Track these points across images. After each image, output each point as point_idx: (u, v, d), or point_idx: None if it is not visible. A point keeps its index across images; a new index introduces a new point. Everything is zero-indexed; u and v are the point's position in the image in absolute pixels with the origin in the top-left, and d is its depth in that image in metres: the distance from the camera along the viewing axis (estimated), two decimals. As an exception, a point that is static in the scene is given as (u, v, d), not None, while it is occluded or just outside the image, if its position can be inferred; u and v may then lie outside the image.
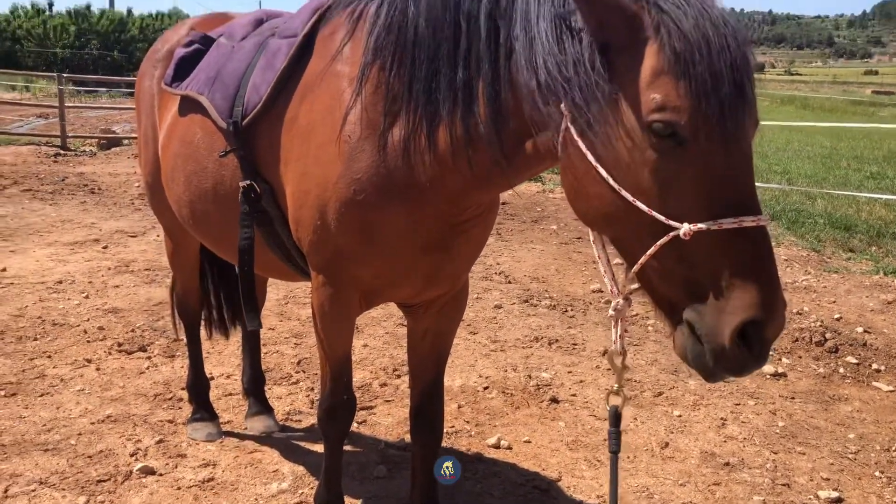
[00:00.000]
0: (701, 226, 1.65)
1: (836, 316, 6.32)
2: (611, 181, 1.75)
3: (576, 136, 1.80)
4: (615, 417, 2.02)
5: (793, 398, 4.79)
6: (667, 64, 1.65)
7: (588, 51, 1.76)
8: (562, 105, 1.81)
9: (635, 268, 1.80)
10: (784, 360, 5.40)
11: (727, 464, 3.93)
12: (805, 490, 3.73)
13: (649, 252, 1.73)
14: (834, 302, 6.78)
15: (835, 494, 3.66)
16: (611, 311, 1.96)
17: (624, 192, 1.73)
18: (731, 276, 1.65)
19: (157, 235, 8.24)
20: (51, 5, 40.59)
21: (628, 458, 3.95)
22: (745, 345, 1.66)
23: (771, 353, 5.34)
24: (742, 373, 1.75)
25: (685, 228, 1.66)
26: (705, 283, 1.69)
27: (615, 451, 2.02)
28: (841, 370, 5.26)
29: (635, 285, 1.89)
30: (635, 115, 1.70)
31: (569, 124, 1.81)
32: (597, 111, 1.74)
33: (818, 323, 6.06)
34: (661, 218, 1.69)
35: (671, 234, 1.68)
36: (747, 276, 1.64)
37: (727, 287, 1.65)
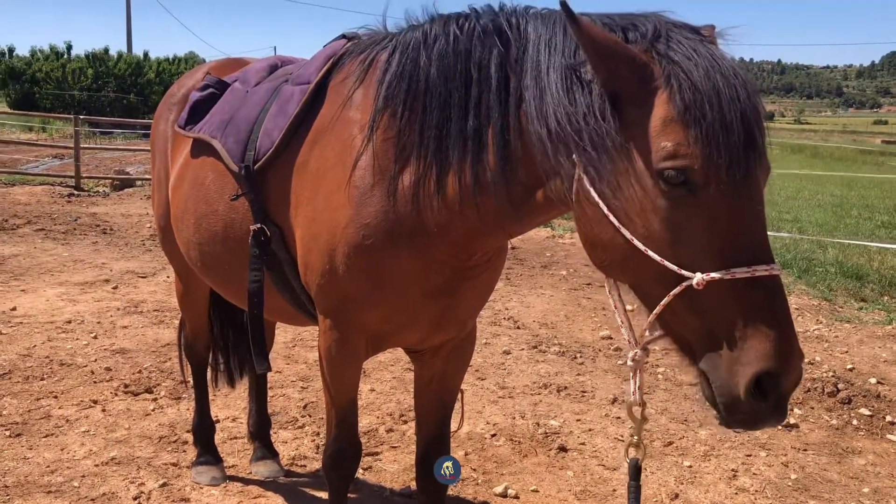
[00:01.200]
0: (714, 275, 1.64)
1: (849, 366, 6.25)
2: (623, 230, 1.75)
3: (588, 186, 1.80)
4: (635, 470, 1.99)
5: (805, 450, 4.71)
6: (678, 113, 1.67)
7: (598, 101, 1.78)
8: (573, 155, 1.82)
9: (650, 319, 1.79)
10: (796, 410, 5.33)
11: (739, 517, 3.85)
12: (819, 545, 3.64)
13: (662, 303, 1.73)
14: (846, 352, 6.71)
15: (849, 550, 3.57)
16: (629, 362, 1.94)
17: (636, 241, 1.73)
18: (744, 326, 1.64)
19: (168, 276, 8.27)
20: (69, 48, 41.25)
21: (638, 509, 3.88)
22: (761, 397, 1.64)
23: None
24: (757, 426, 1.72)
25: (698, 278, 1.65)
26: (719, 333, 1.68)
27: None
28: (854, 422, 5.18)
29: (654, 335, 1.87)
30: (646, 163, 1.70)
31: (581, 174, 1.82)
32: (607, 161, 1.76)
33: (830, 373, 5.99)
34: (674, 268, 1.69)
35: (684, 283, 1.67)
36: (762, 326, 1.63)
37: (741, 337, 1.64)
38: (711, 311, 1.68)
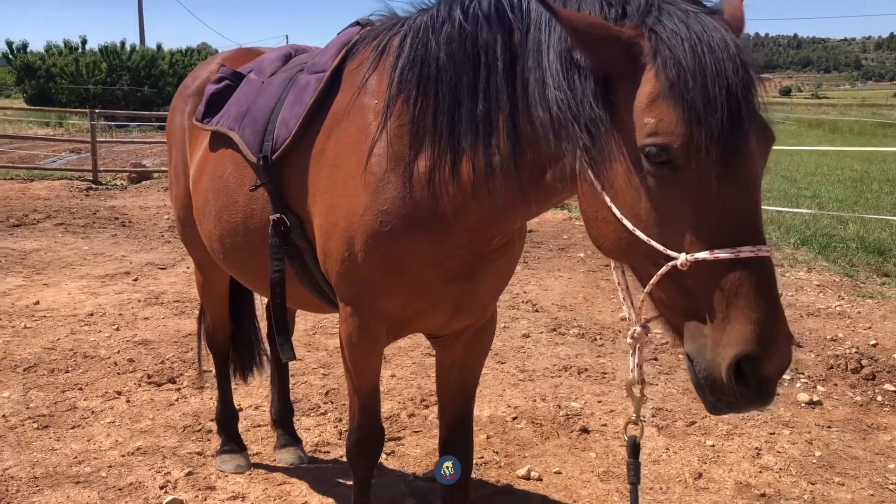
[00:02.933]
0: (696, 256, 1.63)
1: (872, 342, 6.20)
2: (614, 209, 1.75)
3: (586, 168, 1.81)
4: (633, 448, 2.01)
5: (829, 427, 4.69)
6: (663, 89, 1.64)
7: (592, 85, 1.77)
8: (573, 138, 1.82)
9: (642, 297, 1.81)
10: (819, 387, 5.30)
11: (763, 495, 3.84)
12: (845, 522, 3.63)
13: (651, 282, 1.73)
14: (870, 328, 6.65)
15: (876, 527, 3.56)
16: (629, 339, 1.94)
17: (625, 221, 1.73)
18: (728, 308, 1.62)
19: (188, 267, 8.33)
20: (84, 43, 41.36)
21: (661, 489, 3.89)
22: (742, 381, 1.62)
23: (805, 380, 5.22)
24: (742, 410, 1.70)
25: (682, 259, 1.65)
26: (705, 315, 1.66)
27: (634, 483, 2.00)
28: (879, 398, 5.14)
29: (654, 313, 1.87)
30: (634, 141, 1.69)
31: (580, 156, 1.82)
32: (602, 143, 1.75)
33: (854, 350, 5.94)
34: (659, 247, 1.68)
35: (669, 264, 1.67)
36: (745, 309, 1.60)
37: (724, 319, 1.62)
38: (697, 292, 1.67)
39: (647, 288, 1.75)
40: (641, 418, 2.02)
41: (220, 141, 3.08)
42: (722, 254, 1.61)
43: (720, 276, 1.62)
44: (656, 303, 1.81)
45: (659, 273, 1.69)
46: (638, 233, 1.71)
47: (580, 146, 1.80)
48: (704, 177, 1.62)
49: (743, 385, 1.62)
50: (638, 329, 1.91)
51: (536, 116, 1.94)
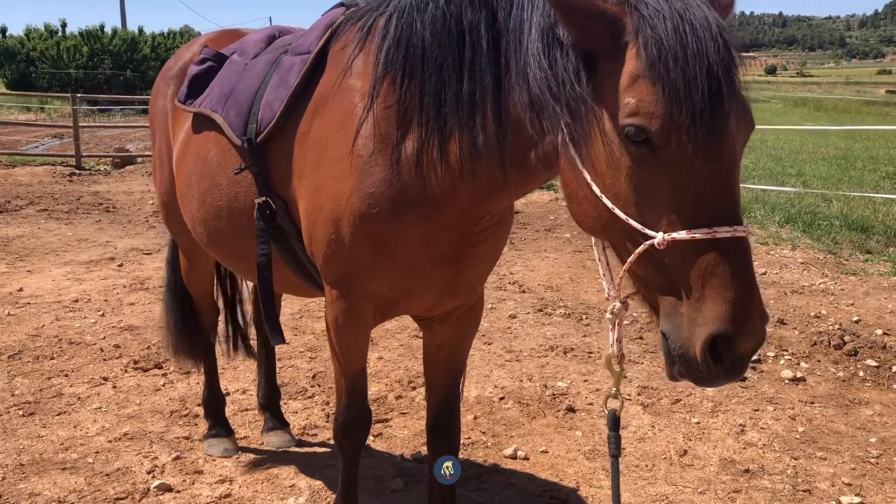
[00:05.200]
0: (674, 235, 1.64)
1: (855, 318, 6.26)
2: (594, 187, 1.76)
3: (568, 145, 1.81)
4: (614, 421, 2.05)
5: (812, 403, 4.74)
6: (643, 68, 1.64)
7: (573, 62, 1.77)
8: (554, 117, 1.82)
9: (620, 273, 1.83)
10: (803, 364, 5.35)
11: (747, 471, 3.89)
12: (827, 496, 3.68)
13: (629, 260, 1.74)
14: (852, 304, 6.72)
15: (857, 500, 3.61)
16: (608, 315, 1.96)
17: (605, 199, 1.74)
18: (703, 287, 1.64)
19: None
20: (64, 26, 40.85)
21: (647, 466, 3.92)
22: (716, 359, 1.64)
23: (789, 357, 5.27)
24: (714, 385, 1.74)
25: (659, 238, 1.66)
26: (681, 294, 1.68)
27: (615, 455, 2.05)
28: (861, 373, 5.20)
29: (632, 290, 1.89)
30: (613, 120, 1.70)
31: (561, 134, 1.82)
32: (583, 122, 1.76)
33: (836, 326, 6.00)
34: (637, 226, 1.69)
35: (647, 243, 1.68)
36: (720, 289, 1.62)
37: (699, 298, 1.64)
38: (674, 271, 1.68)
39: (626, 265, 1.77)
40: (621, 392, 2.05)
41: (203, 123, 3.05)
42: (698, 233, 1.62)
43: (697, 255, 1.64)
44: (634, 280, 1.84)
45: (637, 251, 1.71)
46: (617, 211, 1.72)
47: (561, 125, 1.80)
48: (683, 157, 1.62)
49: (717, 362, 1.64)
50: (617, 305, 1.93)
51: (519, 95, 1.94)
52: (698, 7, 1.67)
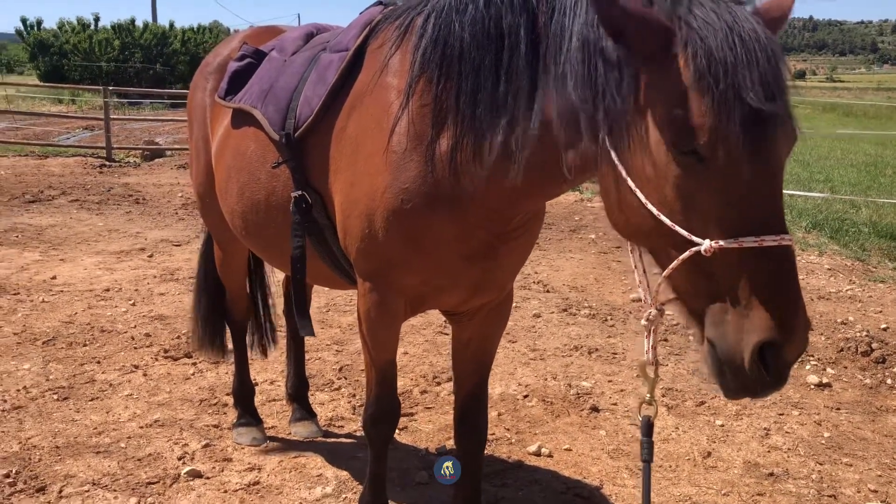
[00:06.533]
0: (721, 243, 1.66)
1: (883, 326, 6.22)
2: (639, 194, 1.77)
3: (609, 151, 1.83)
4: (647, 427, 2.05)
5: (838, 409, 4.73)
6: (693, 80, 1.65)
7: (618, 67, 1.78)
8: (595, 123, 1.84)
9: (661, 280, 1.84)
10: (829, 370, 5.33)
11: (771, 474, 3.89)
12: (852, 502, 3.68)
13: (672, 266, 1.76)
14: (880, 312, 6.67)
15: (883, 506, 3.61)
16: (643, 322, 1.98)
17: (650, 206, 1.75)
18: (750, 295, 1.66)
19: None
20: (97, 20, 41.31)
21: (670, 467, 3.94)
22: (764, 367, 1.66)
23: (815, 363, 5.25)
24: (759, 394, 1.75)
25: (706, 245, 1.67)
26: (727, 301, 1.70)
27: (647, 460, 2.05)
28: (888, 381, 5.17)
29: (670, 296, 1.90)
30: (660, 130, 1.71)
31: (602, 140, 1.84)
32: (627, 128, 1.77)
33: (864, 333, 5.96)
34: (684, 233, 1.71)
35: (692, 249, 1.70)
36: (767, 297, 1.64)
37: (747, 306, 1.66)
38: (720, 278, 1.70)
39: (667, 272, 1.78)
40: (655, 399, 2.06)
41: (242, 118, 3.12)
42: (747, 241, 1.64)
43: (743, 263, 1.66)
44: (675, 287, 1.85)
45: (681, 258, 1.72)
46: (663, 218, 1.73)
47: (602, 133, 1.82)
48: (731, 167, 1.64)
49: (763, 370, 1.67)
50: (653, 312, 1.94)
51: (557, 101, 1.95)
52: (747, 20, 1.68)
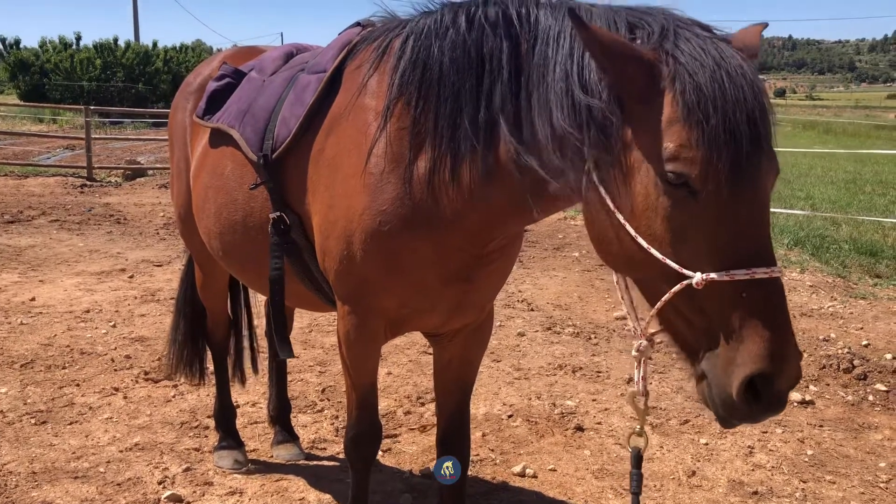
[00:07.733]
0: (713, 275, 1.66)
1: (864, 342, 6.26)
2: (628, 227, 1.77)
3: (595, 182, 1.83)
4: (637, 459, 2.04)
5: (821, 426, 4.74)
6: (682, 114, 1.66)
7: (605, 101, 1.79)
8: (581, 152, 1.85)
9: (652, 313, 1.84)
10: (812, 387, 5.35)
11: (755, 492, 3.89)
12: (836, 520, 3.67)
13: (663, 299, 1.76)
14: (861, 328, 6.71)
15: (866, 524, 3.60)
16: (634, 353, 1.98)
17: (640, 239, 1.75)
18: (742, 326, 1.66)
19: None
20: (78, 39, 41.22)
21: (655, 486, 3.93)
22: (755, 397, 1.66)
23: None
24: (755, 422, 1.76)
25: (697, 278, 1.68)
26: (718, 333, 1.70)
27: (636, 493, 2.04)
28: (870, 398, 5.20)
29: (659, 327, 1.90)
30: (650, 163, 1.72)
31: (588, 171, 1.85)
32: (613, 160, 1.78)
33: (846, 350, 5.99)
34: (675, 266, 1.71)
35: (684, 282, 1.70)
36: (758, 328, 1.65)
37: (738, 338, 1.66)
38: (711, 310, 1.70)
39: (659, 304, 1.78)
40: (645, 431, 2.05)
41: (220, 138, 3.10)
42: (738, 274, 1.65)
43: (733, 295, 1.66)
44: (665, 319, 1.85)
45: (672, 290, 1.72)
46: (654, 251, 1.73)
47: (588, 163, 1.83)
48: (721, 201, 1.65)
49: (756, 401, 1.66)
50: (643, 343, 1.95)
51: (540, 131, 1.95)
52: (733, 56, 1.71)
